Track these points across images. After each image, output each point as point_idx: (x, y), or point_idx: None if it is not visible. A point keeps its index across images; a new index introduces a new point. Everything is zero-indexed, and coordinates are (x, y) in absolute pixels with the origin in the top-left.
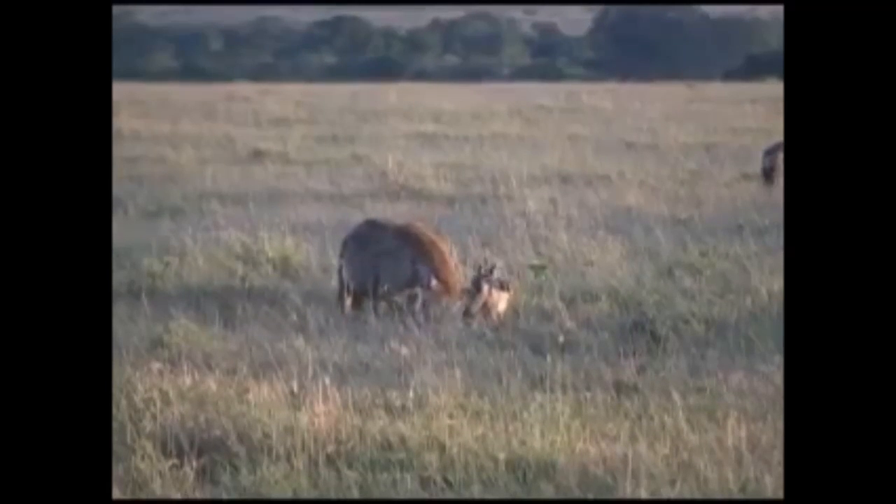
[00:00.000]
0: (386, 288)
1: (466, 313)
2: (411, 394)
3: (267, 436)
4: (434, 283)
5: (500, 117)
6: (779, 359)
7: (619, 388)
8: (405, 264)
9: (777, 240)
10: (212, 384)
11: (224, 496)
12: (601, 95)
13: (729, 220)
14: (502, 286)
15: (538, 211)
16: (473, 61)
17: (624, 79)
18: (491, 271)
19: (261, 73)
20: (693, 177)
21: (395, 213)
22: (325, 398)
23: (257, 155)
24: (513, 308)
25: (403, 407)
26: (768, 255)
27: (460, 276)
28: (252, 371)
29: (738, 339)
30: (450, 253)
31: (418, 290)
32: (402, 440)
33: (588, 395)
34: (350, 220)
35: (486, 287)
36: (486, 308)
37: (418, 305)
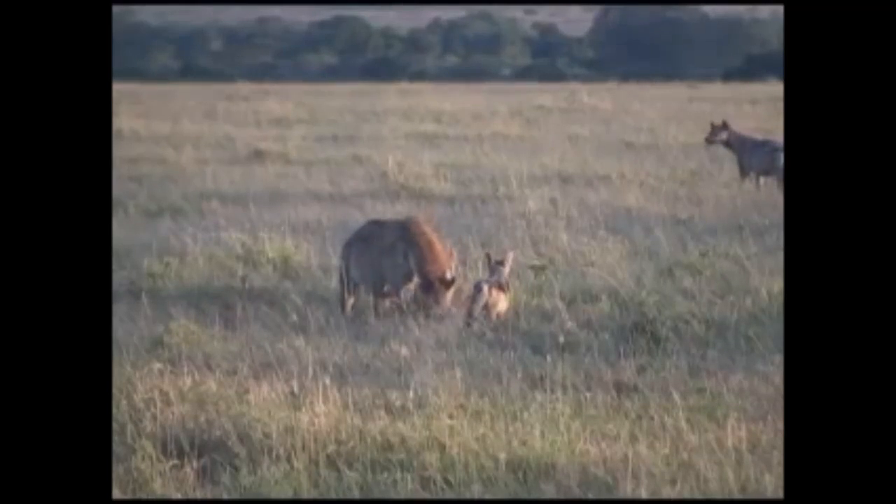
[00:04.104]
0: (387, 287)
1: (468, 314)
2: (411, 394)
3: (267, 436)
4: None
5: (501, 117)
6: (779, 359)
7: (620, 388)
8: (400, 259)
9: (777, 240)
10: (212, 384)
11: (224, 496)
12: (601, 95)
13: (729, 220)
14: (501, 287)
15: (538, 211)
16: (473, 61)
17: (624, 79)
18: (501, 263)
19: (261, 73)
20: (693, 177)
21: (395, 213)
22: (326, 398)
23: (257, 155)
24: (513, 308)
25: (403, 407)
26: (768, 255)
27: (445, 264)
28: (252, 371)
29: (738, 339)
30: (441, 242)
31: (413, 285)
32: (403, 440)
33: (588, 395)
34: (350, 220)
35: (486, 287)
36: (487, 308)
37: (411, 297)
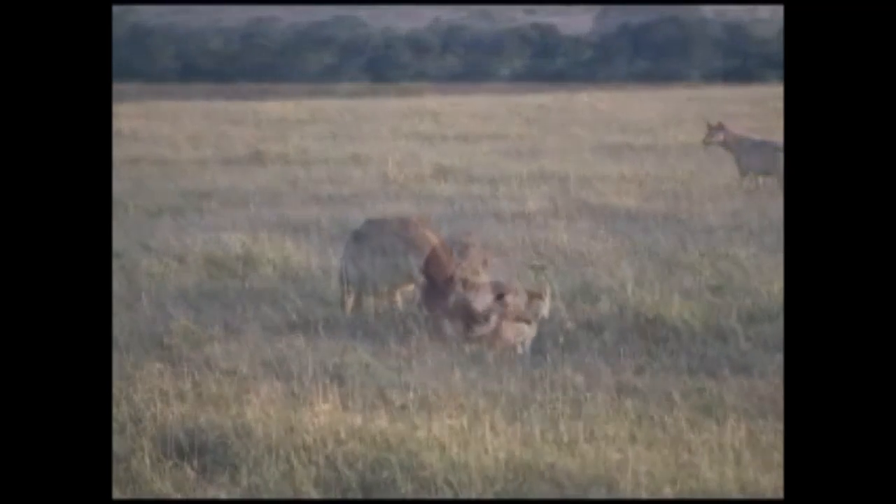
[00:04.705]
0: (387, 287)
1: (469, 333)
2: (411, 394)
3: (267, 436)
4: (422, 275)
5: (501, 117)
6: (779, 359)
7: (620, 388)
8: (399, 259)
9: (777, 240)
10: (212, 385)
11: (224, 496)
12: (600, 95)
13: (729, 219)
14: (520, 314)
15: (538, 211)
16: (473, 62)
17: (623, 79)
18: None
19: (261, 74)
20: (693, 177)
21: (395, 213)
22: (325, 398)
23: (257, 155)
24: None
25: (403, 406)
26: (768, 255)
27: (447, 265)
28: (252, 371)
29: (738, 339)
30: (441, 242)
31: (415, 286)
32: (402, 440)
33: (588, 395)
34: (349, 219)
35: (494, 318)
36: (499, 338)
37: (416, 301)
